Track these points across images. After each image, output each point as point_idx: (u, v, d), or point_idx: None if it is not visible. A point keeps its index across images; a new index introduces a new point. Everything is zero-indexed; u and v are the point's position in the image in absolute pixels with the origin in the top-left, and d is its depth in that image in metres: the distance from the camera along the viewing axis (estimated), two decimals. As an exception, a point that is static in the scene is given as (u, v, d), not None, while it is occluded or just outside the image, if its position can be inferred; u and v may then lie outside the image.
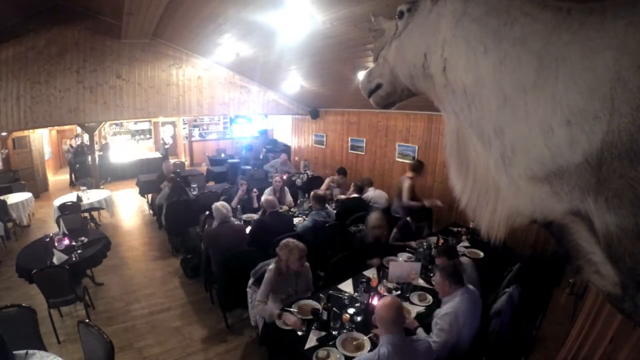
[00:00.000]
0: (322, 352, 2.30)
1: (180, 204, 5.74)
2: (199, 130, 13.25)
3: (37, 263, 3.60)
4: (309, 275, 3.11)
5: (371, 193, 5.57)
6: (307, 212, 5.14)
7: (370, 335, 2.44)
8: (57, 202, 6.04)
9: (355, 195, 5.40)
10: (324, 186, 6.25)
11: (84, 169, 9.45)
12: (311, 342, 2.44)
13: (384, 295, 3.00)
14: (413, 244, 4.03)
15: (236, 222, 4.57)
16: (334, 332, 2.52)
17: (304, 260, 2.96)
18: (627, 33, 0.72)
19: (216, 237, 3.84)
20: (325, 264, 3.59)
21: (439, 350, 2.31)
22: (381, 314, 2.03)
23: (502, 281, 3.36)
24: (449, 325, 2.35)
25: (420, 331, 2.47)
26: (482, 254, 3.85)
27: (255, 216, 4.91)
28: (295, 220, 4.77)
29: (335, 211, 5.01)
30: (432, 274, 3.24)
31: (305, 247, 2.95)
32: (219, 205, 4.07)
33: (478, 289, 3.02)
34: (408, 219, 4.40)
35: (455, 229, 4.63)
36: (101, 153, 10.10)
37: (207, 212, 4.78)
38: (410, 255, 3.83)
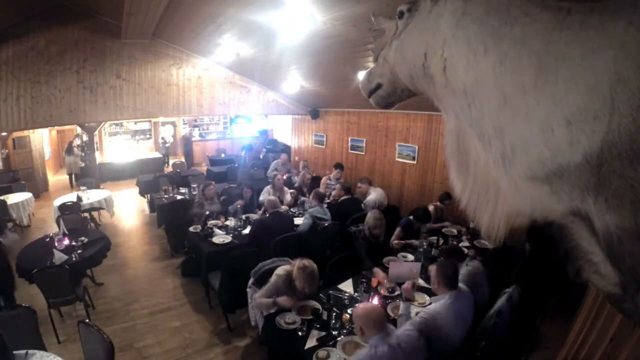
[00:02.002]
0: (322, 352, 2.30)
1: (179, 203, 5.75)
2: (199, 130, 13.25)
3: (37, 263, 3.59)
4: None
5: (372, 196, 5.54)
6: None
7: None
8: (57, 202, 6.04)
9: (346, 196, 5.39)
10: (322, 186, 6.26)
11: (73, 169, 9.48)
12: (311, 342, 2.44)
13: (385, 295, 3.01)
14: (415, 242, 4.06)
15: (237, 223, 4.58)
16: (334, 332, 2.52)
17: (313, 284, 2.84)
18: (627, 33, 0.72)
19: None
20: (326, 264, 3.59)
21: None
22: (367, 316, 2.01)
23: (503, 281, 3.36)
24: (426, 321, 2.34)
25: (411, 328, 2.42)
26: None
27: (255, 215, 4.92)
28: (297, 221, 4.78)
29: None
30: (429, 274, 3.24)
31: (317, 272, 2.82)
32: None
33: (485, 293, 3.03)
34: (410, 217, 4.40)
35: (456, 229, 4.63)
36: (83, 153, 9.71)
37: (207, 212, 4.78)
38: (410, 255, 3.83)
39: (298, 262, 2.81)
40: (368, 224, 3.73)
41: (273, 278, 2.88)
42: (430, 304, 2.88)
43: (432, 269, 2.62)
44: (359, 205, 5.34)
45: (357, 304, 2.68)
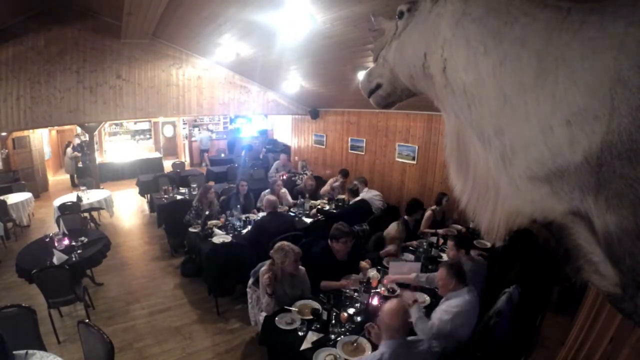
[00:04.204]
0: (325, 355, 2.30)
1: (179, 203, 5.75)
2: (199, 130, 13.24)
3: (37, 263, 3.59)
4: (306, 282, 3.05)
5: (365, 194, 5.55)
6: (307, 212, 5.18)
7: (364, 333, 2.44)
8: (57, 202, 6.04)
9: (356, 198, 5.40)
10: (326, 186, 6.25)
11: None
12: (311, 342, 2.44)
13: (384, 296, 3.01)
14: (414, 243, 4.06)
15: (237, 223, 4.58)
16: (333, 333, 2.52)
17: (299, 263, 2.95)
18: (627, 33, 0.72)
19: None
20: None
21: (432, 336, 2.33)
22: (388, 320, 2.00)
23: (503, 281, 3.36)
24: (448, 319, 2.36)
25: (413, 312, 2.44)
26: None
27: (254, 216, 4.92)
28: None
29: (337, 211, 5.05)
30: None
31: (300, 250, 2.93)
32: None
33: (480, 287, 3.05)
34: (405, 217, 4.39)
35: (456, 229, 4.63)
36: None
37: (207, 212, 4.78)
38: (410, 255, 3.83)
39: (276, 246, 2.93)
40: (390, 234, 3.84)
41: (260, 280, 2.94)
42: (429, 303, 2.89)
43: (442, 271, 2.59)
44: (369, 208, 5.33)
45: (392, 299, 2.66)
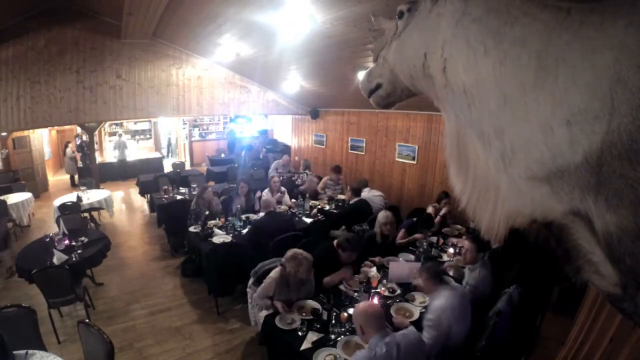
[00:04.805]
0: (325, 355, 2.30)
1: (179, 203, 5.75)
2: (199, 130, 13.24)
3: (37, 263, 3.59)
4: (312, 285, 3.06)
5: (366, 194, 5.55)
6: (307, 212, 5.17)
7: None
8: (57, 202, 6.04)
9: (356, 198, 5.40)
10: (321, 184, 6.24)
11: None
12: (310, 342, 2.44)
13: (384, 295, 3.01)
14: (417, 236, 4.08)
15: (237, 223, 4.58)
16: (333, 333, 2.52)
17: (312, 270, 2.92)
18: (627, 33, 0.72)
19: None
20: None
21: (430, 345, 2.33)
22: (367, 314, 2.00)
23: (503, 281, 3.36)
24: (437, 321, 2.40)
25: (411, 329, 2.48)
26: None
27: (254, 216, 4.92)
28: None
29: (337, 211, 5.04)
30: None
31: (312, 257, 2.91)
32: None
33: (489, 290, 3.06)
34: (414, 219, 4.40)
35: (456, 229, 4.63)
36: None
37: (207, 212, 4.78)
38: (410, 255, 3.83)
39: (289, 254, 2.87)
40: (379, 221, 3.79)
41: (266, 281, 2.92)
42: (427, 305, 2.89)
43: (420, 275, 2.68)
44: (369, 208, 5.31)
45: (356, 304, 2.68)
